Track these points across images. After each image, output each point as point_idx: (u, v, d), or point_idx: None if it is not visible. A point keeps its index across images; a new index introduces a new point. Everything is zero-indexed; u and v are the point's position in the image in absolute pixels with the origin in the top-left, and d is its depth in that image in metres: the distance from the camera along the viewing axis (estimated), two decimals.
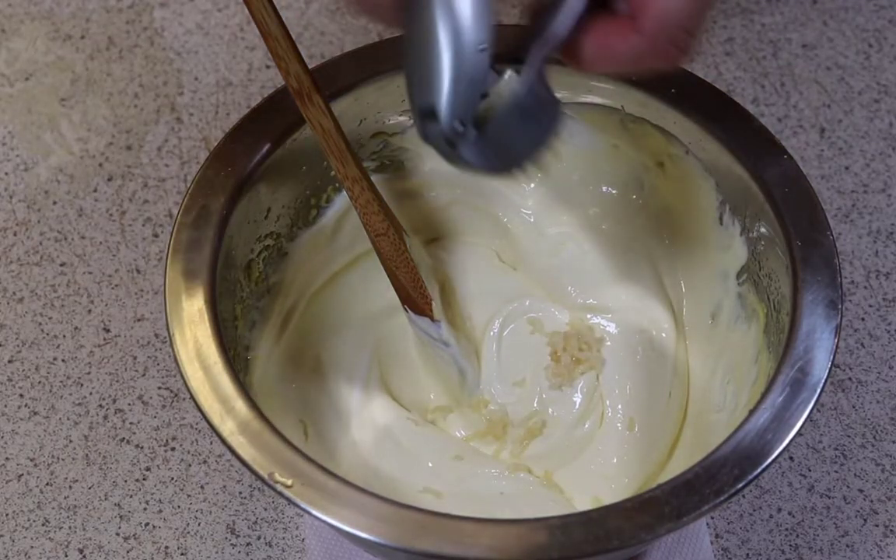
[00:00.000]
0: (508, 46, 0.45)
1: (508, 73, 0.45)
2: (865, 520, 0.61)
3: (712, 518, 0.61)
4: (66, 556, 0.60)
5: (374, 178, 0.59)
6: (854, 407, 0.65)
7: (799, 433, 0.47)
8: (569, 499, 0.58)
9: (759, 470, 0.46)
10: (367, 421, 0.59)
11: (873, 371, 0.66)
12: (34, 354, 0.67)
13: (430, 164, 0.63)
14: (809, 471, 0.63)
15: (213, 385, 0.49)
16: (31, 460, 0.63)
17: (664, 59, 0.45)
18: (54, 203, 0.73)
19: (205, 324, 0.51)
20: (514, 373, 0.61)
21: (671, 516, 0.45)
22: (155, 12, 0.82)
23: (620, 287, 0.63)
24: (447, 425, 0.61)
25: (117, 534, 0.61)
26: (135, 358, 0.67)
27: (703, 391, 0.60)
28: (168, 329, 0.51)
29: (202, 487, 0.62)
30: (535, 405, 0.61)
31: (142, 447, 0.64)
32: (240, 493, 0.62)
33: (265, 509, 0.62)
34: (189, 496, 0.62)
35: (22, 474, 0.63)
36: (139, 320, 0.68)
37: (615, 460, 0.59)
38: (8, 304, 0.69)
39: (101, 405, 0.65)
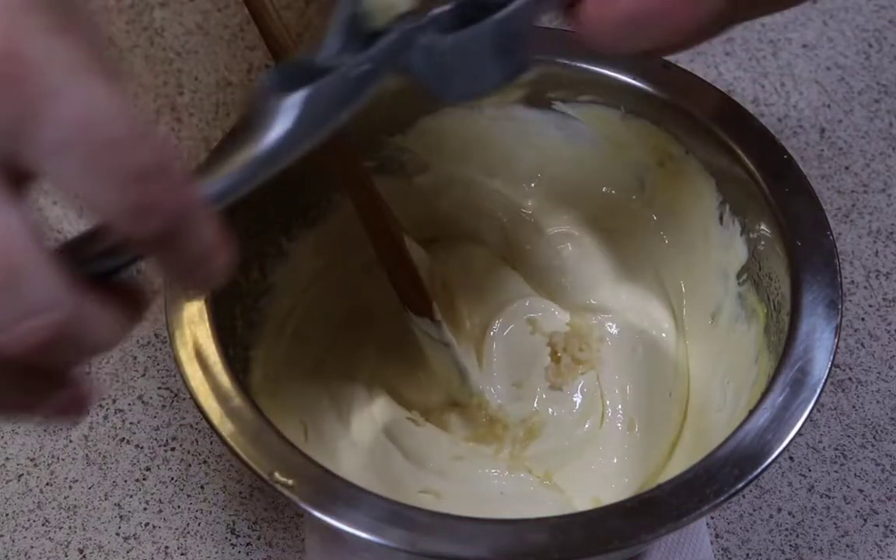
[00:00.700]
0: None
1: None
2: (865, 520, 0.61)
3: (712, 518, 0.61)
4: (66, 556, 0.60)
5: (374, 178, 0.59)
6: (854, 407, 0.65)
7: (799, 433, 0.47)
8: (569, 499, 0.58)
9: (759, 470, 0.46)
10: (367, 421, 0.59)
11: (873, 371, 0.66)
12: None
13: (431, 165, 0.63)
14: (809, 471, 0.63)
15: (213, 385, 0.49)
16: (31, 460, 0.63)
17: (674, 23, 0.39)
18: (54, 203, 0.73)
19: (205, 324, 0.51)
20: (514, 373, 0.61)
21: (671, 516, 0.45)
22: (155, 12, 0.82)
23: (620, 287, 0.63)
24: (447, 425, 0.61)
25: (117, 534, 0.61)
26: (135, 358, 0.67)
27: (703, 391, 0.60)
28: (168, 329, 0.51)
29: (202, 487, 0.62)
30: (535, 405, 0.61)
31: (142, 447, 0.64)
32: (240, 493, 0.62)
33: (265, 509, 0.62)
34: (189, 496, 0.62)
35: (22, 474, 0.63)
36: None
37: (615, 460, 0.59)
38: None
39: (100, 405, 0.65)
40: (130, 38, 0.80)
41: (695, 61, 0.79)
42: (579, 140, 0.61)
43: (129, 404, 0.65)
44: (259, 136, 0.36)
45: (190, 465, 0.63)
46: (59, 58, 0.31)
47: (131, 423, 0.64)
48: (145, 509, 0.62)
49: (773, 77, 0.78)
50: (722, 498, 0.46)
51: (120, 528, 0.61)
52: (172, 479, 0.63)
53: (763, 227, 0.55)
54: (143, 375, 0.66)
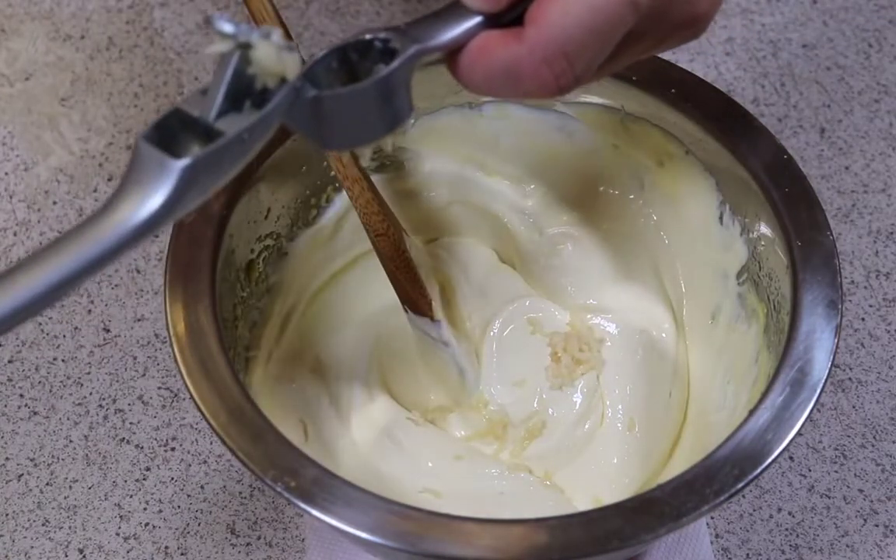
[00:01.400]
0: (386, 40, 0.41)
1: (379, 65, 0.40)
2: (865, 520, 0.61)
3: (712, 518, 0.61)
4: (66, 556, 0.60)
5: (374, 178, 0.59)
6: (854, 407, 0.65)
7: (799, 433, 0.47)
8: (569, 499, 0.58)
9: (759, 470, 0.46)
10: (367, 421, 0.59)
11: (873, 371, 0.66)
12: (34, 354, 0.67)
13: (430, 165, 0.63)
14: (809, 471, 0.63)
15: (213, 385, 0.49)
16: (31, 460, 0.63)
17: (535, 81, 0.41)
18: (54, 203, 0.73)
19: (205, 324, 0.51)
20: (514, 373, 0.61)
21: (671, 516, 0.45)
22: (155, 12, 0.82)
23: (620, 287, 0.63)
24: (447, 425, 0.61)
25: (117, 534, 0.61)
26: (135, 358, 0.67)
27: (703, 391, 0.60)
28: (168, 329, 0.51)
29: (202, 487, 0.62)
30: (535, 405, 0.61)
31: (142, 447, 0.64)
32: (240, 493, 0.62)
33: (265, 509, 0.62)
34: (189, 496, 0.62)
35: (22, 474, 0.63)
36: (139, 320, 0.68)
37: (615, 460, 0.59)
38: None
39: (101, 405, 0.65)
40: (130, 38, 0.80)
41: (695, 61, 0.79)
42: (579, 140, 0.61)
43: (129, 404, 0.65)
44: (141, 200, 0.35)
45: (190, 465, 0.63)
46: None
47: (131, 423, 0.64)
48: (145, 509, 0.62)
49: (773, 77, 0.78)
50: (722, 498, 0.46)
51: (120, 528, 0.61)
52: (172, 479, 0.63)
53: (763, 227, 0.55)
54: (143, 375, 0.66)
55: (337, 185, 0.60)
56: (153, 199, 0.34)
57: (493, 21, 0.41)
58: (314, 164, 0.59)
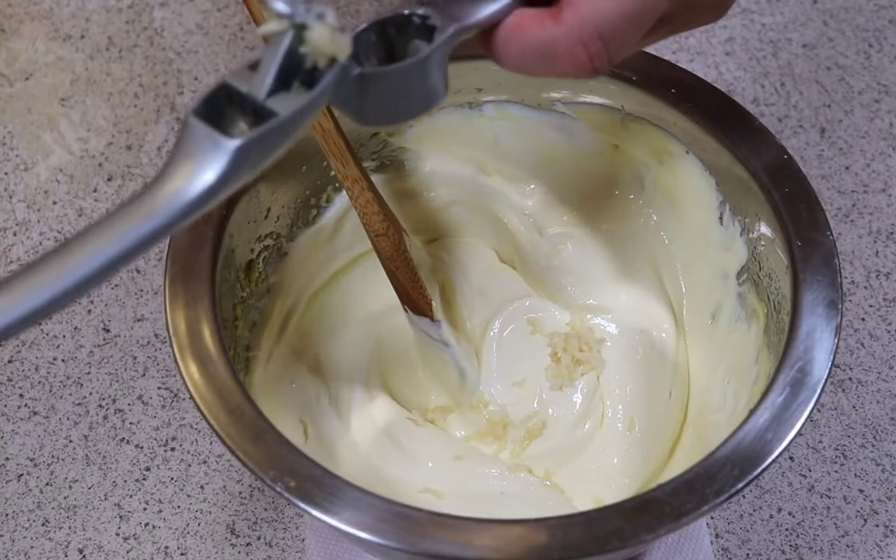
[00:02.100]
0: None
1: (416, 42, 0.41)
2: (865, 520, 0.61)
3: (712, 518, 0.61)
4: (66, 556, 0.60)
5: (374, 178, 0.59)
6: (854, 407, 0.65)
7: (799, 433, 0.47)
8: (569, 499, 0.58)
9: (759, 470, 0.46)
10: (367, 421, 0.59)
11: (873, 371, 0.66)
12: (34, 354, 0.67)
13: (430, 165, 0.63)
14: (809, 471, 0.63)
15: (214, 386, 0.49)
16: (31, 460, 0.63)
17: (571, 62, 0.42)
18: (54, 203, 0.73)
19: (205, 324, 0.51)
20: (515, 373, 0.61)
21: (671, 516, 0.45)
22: (155, 12, 0.82)
23: (620, 287, 0.63)
24: (447, 425, 0.61)
25: (117, 534, 0.61)
26: (135, 358, 0.67)
27: (703, 391, 0.60)
28: (168, 329, 0.51)
29: (202, 487, 0.62)
30: (536, 405, 0.61)
31: (142, 447, 0.64)
32: (240, 493, 0.62)
33: (265, 509, 0.62)
34: (189, 496, 0.62)
35: (22, 474, 0.63)
36: (139, 320, 0.68)
37: (615, 460, 0.59)
38: None
39: (100, 405, 0.65)
40: (130, 38, 0.80)
41: (695, 61, 0.79)
42: (579, 140, 0.61)
43: (129, 404, 0.65)
44: (193, 176, 0.34)
45: (190, 465, 0.63)
46: None
47: (131, 423, 0.64)
48: (145, 509, 0.61)
49: (773, 77, 0.78)
50: (722, 498, 0.46)
51: (120, 528, 0.61)
52: (172, 479, 0.63)
53: (763, 227, 0.55)
54: (143, 375, 0.66)
55: (337, 185, 0.60)
56: (206, 175, 0.34)
57: None
58: (314, 164, 0.59)
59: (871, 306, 0.68)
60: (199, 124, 0.35)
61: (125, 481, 0.62)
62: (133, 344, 0.67)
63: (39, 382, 0.66)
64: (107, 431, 0.64)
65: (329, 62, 0.37)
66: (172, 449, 0.64)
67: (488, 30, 0.42)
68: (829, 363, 0.49)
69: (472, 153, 0.63)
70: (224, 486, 0.62)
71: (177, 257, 0.53)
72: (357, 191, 0.55)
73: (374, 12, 0.41)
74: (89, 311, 0.68)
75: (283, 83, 0.36)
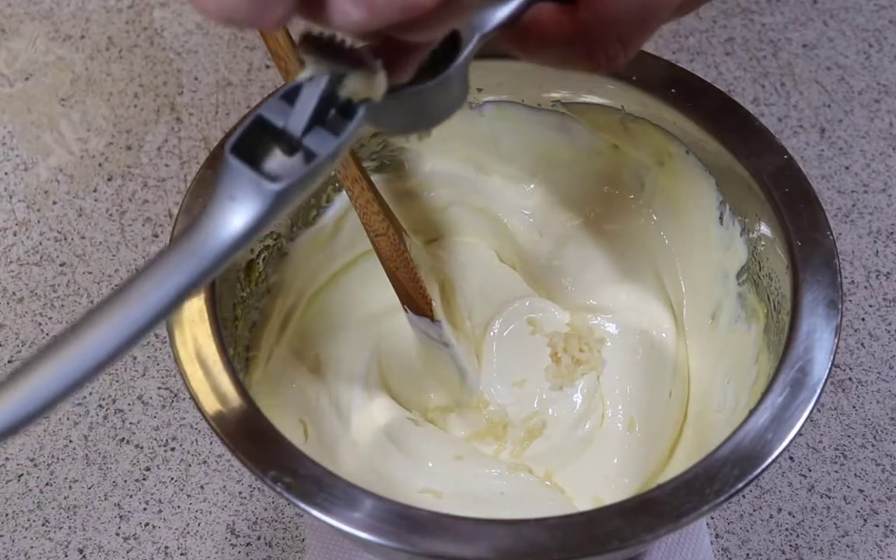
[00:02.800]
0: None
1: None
2: (865, 520, 0.61)
3: (712, 518, 0.61)
4: (66, 556, 0.60)
5: (374, 178, 0.59)
6: (854, 407, 0.65)
7: (799, 433, 0.47)
8: (569, 499, 0.58)
9: (759, 470, 0.46)
10: (367, 421, 0.59)
11: (873, 371, 0.66)
12: None
13: (430, 165, 0.63)
14: (809, 471, 0.63)
15: (213, 385, 0.49)
16: (31, 460, 0.63)
17: (588, 61, 0.42)
18: (54, 203, 0.73)
19: (205, 324, 0.51)
20: (515, 373, 0.61)
21: (671, 516, 0.45)
22: (155, 12, 0.82)
23: (620, 287, 0.63)
24: (447, 425, 0.61)
25: (117, 534, 0.61)
26: (135, 358, 0.67)
27: (703, 391, 0.60)
28: (168, 329, 0.51)
29: (202, 487, 0.62)
30: (536, 405, 0.61)
31: (142, 447, 0.64)
32: (240, 493, 0.62)
33: (265, 509, 0.62)
34: (189, 496, 0.62)
35: (22, 474, 0.63)
36: None
37: (615, 460, 0.59)
38: (8, 304, 0.69)
39: (100, 405, 0.65)
40: (130, 38, 0.80)
41: (695, 61, 0.79)
42: (579, 140, 0.61)
43: (129, 404, 0.65)
44: (234, 217, 0.35)
45: (190, 465, 0.63)
46: None
47: (131, 423, 0.64)
48: (145, 509, 0.61)
49: (773, 77, 0.78)
50: (722, 498, 0.46)
51: (120, 528, 0.61)
52: (172, 479, 0.63)
53: (763, 227, 0.55)
54: (143, 375, 0.66)
55: (337, 185, 0.60)
56: (247, 217, 0.35)
57: None
58: None
59: (871, 306, 0.68)
60: (239, 165, 0.35)
61: (125, 481, 0.62)
62: None
63: None
64: (107, 431, 0.64)
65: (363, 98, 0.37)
66: (172, 449, 0.64)
67: (506, 26, 0.42)
68: (829, 363, 0.49)
69: (472, 153, 0.63)
70: (224, 486, 0.62)
71: None
72: (357, 191, 0.55)
73: None
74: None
75: (318, 118, 0.37)
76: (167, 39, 0.80)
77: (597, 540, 0.45)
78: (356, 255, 0.63)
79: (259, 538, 0.61)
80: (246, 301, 0.57)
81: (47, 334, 0.67)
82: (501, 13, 0.41)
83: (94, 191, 0.73)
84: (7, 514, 0.61)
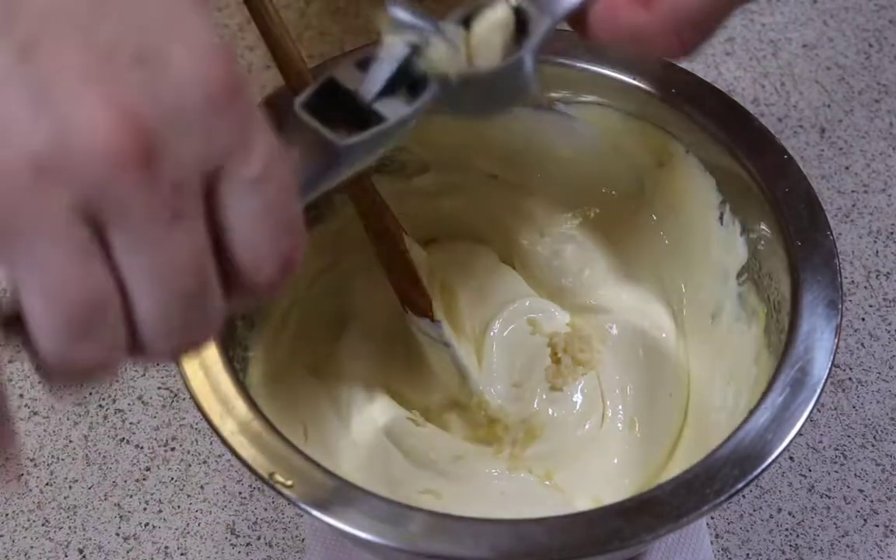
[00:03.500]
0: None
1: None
2: (865, 520, 0.61)
3: (712, 518, 0.61)
4: (66, 556, 0.60)
5: (374, 178, 0.59)
6: (854, 407, 0.65)
7: (799, 433, 0.47)
8: (569, 499, 0.58)
9: (759, 470, 0.46)
10: (367, 421, 0.59)
11: (873, 371, 0.66)
12: None
13: (431, 165, 0.63)
14: (809, 471, 0.63)
15: (213, 385, 0.49)
16: (31, 460, 0.63)
17: (664, 48, 0.43)
18: None
19: None
20: (515, 373, 0.61)
21: (671, 516, 0.45)
22: None
23: (620, 287, 0.63)
24: (447, 425, 0.61)
25: (117, 534, 0.61)
26: None
27: (703, 391, 0.60)
28: None
29: (202, 487, 0.62)
30: (536, 406, 0.61)
31: (142, 447, 0.64)
32: (240, 493, 0.62)
33: (265, 509, 0.62)
34: (189, 496, 0.62)
35: (22, 474, 0.63)
36: None
37: (616, 461, 0.59)
38: None
39: (100, 405, 0.65)
40: None
41: (695, 61, 0.79)
42: (579, 140, 0.61)
43: (129, 404, 0.65)
44: (300, 170, 0.35)
45: (190, 465, 0.63)
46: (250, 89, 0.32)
47: (131, 423, 0.64)
48: (145, 509, 0.61)
49: (773, 77, 0.78)
50: (722, 498, 0.46)
51: (120, 528, 0.61)
52: (172, 479, 0.63)
53: (763, 227, 0.55)
54: (143, 375, 0.66)
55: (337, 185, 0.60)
56: (311, 172, 0.35)
57: None
58: None
59: (871, 306, 0.68)
60: (308, 118, 0.35)
61: (125, 481, 0.62)
62: None
63: (39, 382, 0.66)
64: (107, 431, 0.64)
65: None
66: (172, 449, 0.64)
67: (578, 13, 0.43)
68: (829, 363, 0.49)
69: (473, 153, 0.63)
70: (224, 486, 0.62)
71: None
72: (357, 191, 0.55)
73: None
74: None
75: (390, 88, 0.36)
76: None
77: (597, 540, 0.45)
78: (356, 254, 0.63)
79: (259, 538, 0.61)
80: None
81: None
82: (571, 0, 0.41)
83: None
84: (7, 514, 0.61)
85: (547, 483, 0.58)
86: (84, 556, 0.60)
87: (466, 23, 0.40)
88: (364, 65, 0.36)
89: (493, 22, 0.40)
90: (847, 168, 0.74)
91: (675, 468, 0.57)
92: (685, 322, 0.61)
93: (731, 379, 0.57)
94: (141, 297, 0.31)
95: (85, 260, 0.30)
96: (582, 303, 0.63)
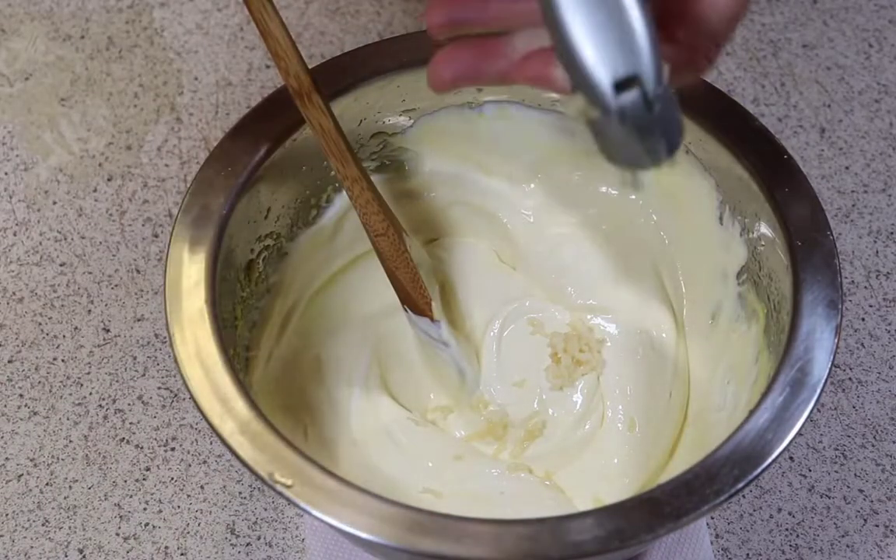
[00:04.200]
0: None
1: None
2: (865, 520, 0.61)
3: (712, 518, 0.61)
4: (66, 556, 0.60)
5: (374, 178, 0.59)
6: (854, 407, 0.65)
7: (799, 433, 0.47)
8: (569, 499, 0.58)
9: (759, 470, 0.46)
10: (367, 421, 0.59)
11: (873, 371, 0.66)
12: (34, 354, 0.67)
13: (430, 165, 0.63)
14: (809, 471, 0.63)
15: (213, 385, 0.49)
16: (31, 460, 0.63)
17: (691, 67, 0.43)
18: (54, 203, 0.73)
19: (205, 324, 0.51)
20: (515, 373, 0.61)
21: (671, 516, 0.45)
22: (155, 12, 0.82)
23: (620, 287, 0.63)
24: (447, 425, 0.61)
25: (117, 534, 0.61)
26: (135, 358, 0.67)
27: (703, 391, 0.60)
28: (168, 329, 0.51)
29: (202, 487, 0.62)
30: (536, 406, 0.61)
31: (142, 447, 0.64)
32: (240, 493, 0.62)
33: (265, 509, 0.62)
34: (189, 496, 0.62)
35: (22, 474, 0.63)
36: (139, 320, 0.68)
37: (616, 461, 0.59)
38: (8, 304, 0.69)
39: (100, 405, 0.65)
40: (130, 38, 0.80)
41: None
42: (579, 140, 0.61)
43: (129, 404, 0.65)
44: None
45: (190, 465, 0.63)
46: None
47: (131, 423, 0.64)
48: (145, 509, 0.61)
49: (773, 77, 0.78)
50: (722, 498, 0.46)
51: (120, 528, 0.61)
52: (172, 479, 0.63)
53: (763, 227, 0.55)
54: (143, 375, 0.66)
55: (337, 185, 0.60)
56: None
57: None
58: (314, 164, 0.59)
59: (871, 306, 0.68)
60: None
61: (125, 481, 0.62)
62: (133, 344, 0.67)
63: (39, 382, 0.66)
64: (107, 431, 0.64)
65: None
66: (172, 449, 0.64)
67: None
68: (829, 363, 0.49)
69: (472, 153, 0.63)
70: (224, 486, 0.62)
71: (177, 257, 0.53)
72: (357, 191, 0.55)
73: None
74: (89, 311, 0.68)
75: None
76: (167, 39, 0.80)
77: (597, 540, 0.45)
78: (356, 255, 0.63)
79: (259, 538, 0.61)
80: (246, 301, 0.57)
81: (47, 334, 0.67)
82: None
83: (94, 191, 0.73)
84: (7, 514, 0.61)
85: (547, 483, 0.59)
86: (84, 556, 0.60)
87: None
88: None
89: None
90: (847, 168, 0.74)
91: (675, 468, 0.57)
92: (685, 322, 0.61)
93: (731, 379, 0.57)
94: None
95: None
96: (582, 303, 0.63)
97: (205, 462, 0.63)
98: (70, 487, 0.62)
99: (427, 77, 0.44)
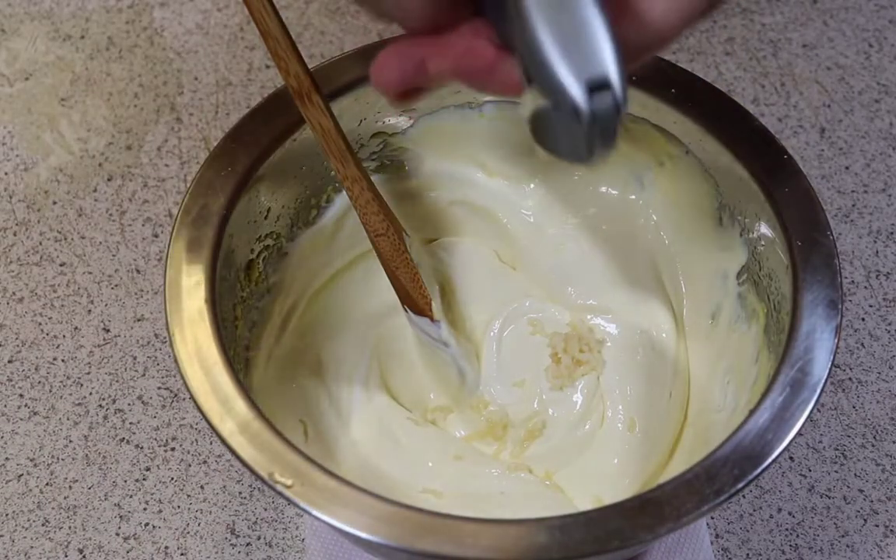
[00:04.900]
0: None
1: None
2: (865, 520, 0.61)
3: (712, 518, 0.61)
4: (66, 556, 0.60)
5: (374, 178, 0.59)
6: (854, 407, 0.65)
7: (799, 433, 0.47)
8: (569, 499, 0.58)
9: (759, 470, 0.46)
10: (367, 421, 0.59)
11: (873, 371, 0.66)
12: (34, 354, 0.67)
13: (430, 165, 0.63)
14: (809, 471, 0.63)
15: (213, 385, 0.49)
16: (31, 460, 0.63)
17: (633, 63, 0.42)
18: (54, 203, 0.73)
19: (205, 324, 0.51)
20: (515, 373, 0.61)
21: (671, 516, 0.45)
22: (155, 12, 0.82)
23: (620, 287, 0.63)
24: (447, 425, 0.61)
25: (117, 534, 0.61)
26: (135, 358, 0.67)
27: (703, 391, 0.60)
28: (168, 329, 0.51)
29: (202, 487, 0.62)
30: (536, 406, 0.61)
31: (142, 447, 0.64)
32: (240, 493, 0.62)
33: (265, 509, 0.62)
34: (189, 496, 0.62)
35: (22, 474, 0.63)
36: (139, 320, 0.68)
37: (616, 461, 0.59)
38: (8, 304, 0.69)
39: (100, 405, 0.65)
40: (130, 38, 0.80)
41: (695, 61, 0.79)
42: None
43: (129, 404, 0.65)
44: None
45: (190, 465, 0.63)
46: None
47: (131, 423, 0.64)
48: (145, 509, 0.62)
49: (773, 77, 0.78)
50: (722, 498, 0.46)
51: (120, 528, 0.61)
52: (172, 479, 0.63)
53: (763, 227, 0.55)
54: (143, 375, 0.66)
55: (337, 185, 0.60)
56: None
57: None
58: (314, 164, 0.59)
59: (871, 306, 0.68)
60: None
61: (125, 481, 0.62)
62: (133, 344, 0.67)
63: (39, 382, 0.66)
64: (107, 431, 0.64)
65: None
66: (172, 449, 0.64)
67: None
68: (829, 363, 0.49)
69: (472, 153, 0.63)
70: (224, 486, 0.62)
71: (177, 257, 0.53)
72: (357, 191, 0.55)
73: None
74: (89, 311, 0.68)
75: None
76: (167, 39, 0.80)
77: (597, 540, 0.45)
78: (356, 255, 0.63)
79: (259, 538, 0.61)
80: (246, 301, 0.57)
81: (47, 334, 0.67)
82: None
83: (94, 191, 0.73)
84: (7, 514, 0.61)
85: (547, 483, 0.59)
86: (84, 556, 0.60)
87: None
88: None
89: None
90: (847, 168, 0.74)
91: (675, 468, 0.57)
92: (685, 322, 0.61)
93: (730, 379, 0.57)
94: None
95: None
96: (582, 303, 0.63)
97: (205, 462, 0.63)
98: (70, 487, 0.62)
99: (371, 79, 0.42)
